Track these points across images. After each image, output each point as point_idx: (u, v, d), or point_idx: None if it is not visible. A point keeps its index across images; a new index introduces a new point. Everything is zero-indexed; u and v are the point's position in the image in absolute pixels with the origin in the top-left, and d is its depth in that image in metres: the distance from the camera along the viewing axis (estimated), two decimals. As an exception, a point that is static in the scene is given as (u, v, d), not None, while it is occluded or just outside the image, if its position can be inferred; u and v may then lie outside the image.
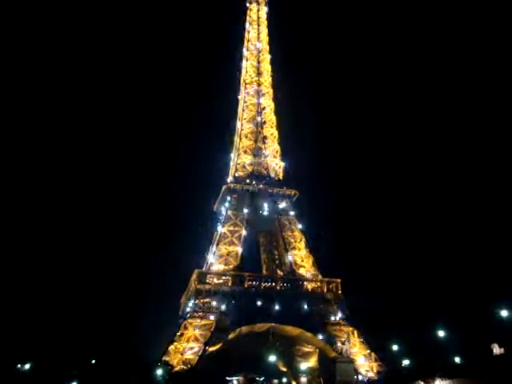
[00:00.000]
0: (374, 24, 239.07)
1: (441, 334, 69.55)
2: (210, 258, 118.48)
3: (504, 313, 60.67)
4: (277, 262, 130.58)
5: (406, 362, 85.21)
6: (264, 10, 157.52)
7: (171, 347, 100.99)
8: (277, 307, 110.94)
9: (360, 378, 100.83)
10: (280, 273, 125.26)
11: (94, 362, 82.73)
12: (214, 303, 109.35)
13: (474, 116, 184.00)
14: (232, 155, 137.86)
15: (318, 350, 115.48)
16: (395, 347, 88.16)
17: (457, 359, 67.78)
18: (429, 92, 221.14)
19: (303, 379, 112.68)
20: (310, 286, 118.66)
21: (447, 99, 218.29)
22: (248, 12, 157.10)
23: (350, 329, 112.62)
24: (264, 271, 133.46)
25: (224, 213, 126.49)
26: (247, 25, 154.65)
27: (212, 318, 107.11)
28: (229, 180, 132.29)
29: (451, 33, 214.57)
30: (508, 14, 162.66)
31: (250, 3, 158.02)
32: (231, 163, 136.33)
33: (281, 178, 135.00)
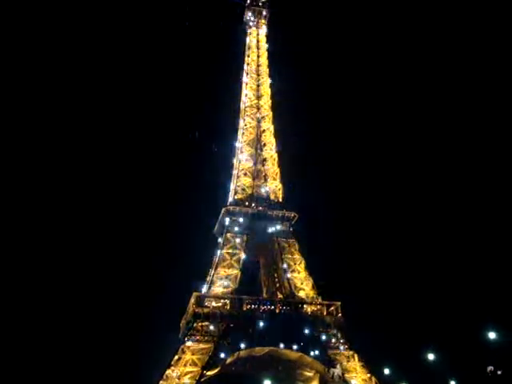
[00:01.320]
0: (373, 31, 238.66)
1: (431, 357, 68.57)
2: (209, 281, 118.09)
3: (499, 335, 59.89)
4: (277, 284, 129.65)
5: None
6: (263, 33, 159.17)
7: (168, 372, 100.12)
8: (276, 331, 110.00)
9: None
10: (280, 296, 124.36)
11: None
12: (212, 327, 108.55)
13: (474, 116, 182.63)
14: (232, 178, 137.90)
15: (318, 375, 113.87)
16: (393, 371, 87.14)
17: (452, 383, 66.89)
18: (428, 92, 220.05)
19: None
20: (309, 308, 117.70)
21: (447, 99, 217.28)
22: (247, 36, 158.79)
23: (351, 352, 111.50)
24: (264, 294, 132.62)
25: (223, 235, 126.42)
26: (246, 49, 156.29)
27: (210, 341, 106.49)
28: (228, 202, 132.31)
29: (451, 32, 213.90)
30: (508, 14, 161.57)
31: (250, 27, 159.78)
32: (231, 186, 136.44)
33: (280, 200, 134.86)
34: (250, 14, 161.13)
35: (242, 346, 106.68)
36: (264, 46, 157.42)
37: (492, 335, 59.20)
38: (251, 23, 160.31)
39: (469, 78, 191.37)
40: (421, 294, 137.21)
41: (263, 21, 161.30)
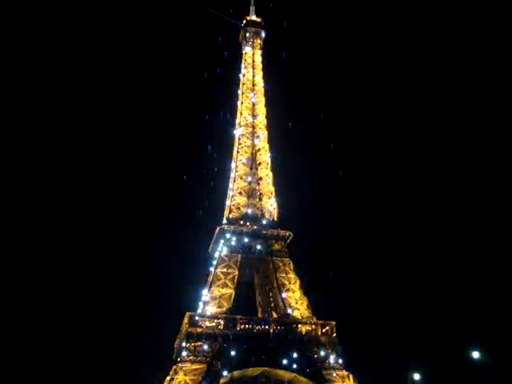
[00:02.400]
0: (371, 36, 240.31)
1: (417, 376, 67.98)
2: (203, 300, 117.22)
3: (483, 354, 59.61)
4: (272, 304, 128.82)
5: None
6: (259, 53, 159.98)
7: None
8: (270, 351, 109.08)
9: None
10: (274, 315, 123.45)
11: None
12: (206, 347, 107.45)
13: (474, 117, 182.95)
14: (227, 196, 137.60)
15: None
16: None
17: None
18: (428, 93, 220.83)
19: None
20: (304, 328, 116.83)
21: (447, 100, 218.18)
22: (243, 55, 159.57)
23: (346, 373, 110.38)
24: (259, 314, 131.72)
25: (218, 254, 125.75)
26: (242, 68, 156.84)
27: (203, 362, 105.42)
28: (223, 221, 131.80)
29: (451, 32, 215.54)
30: (508, 14, 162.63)
31: (245, 47, 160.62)
32: (226, 204, 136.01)
33: (275, 219, 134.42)
34: (245, 34, 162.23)
35: (236, 366, 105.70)
36: (259, 65, 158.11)
37: (476, 354, 59.00)
38: (247, 43, 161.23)
39: (469, 78, 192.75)
40: (412, 314, 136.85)
41: (259, 41, 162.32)
